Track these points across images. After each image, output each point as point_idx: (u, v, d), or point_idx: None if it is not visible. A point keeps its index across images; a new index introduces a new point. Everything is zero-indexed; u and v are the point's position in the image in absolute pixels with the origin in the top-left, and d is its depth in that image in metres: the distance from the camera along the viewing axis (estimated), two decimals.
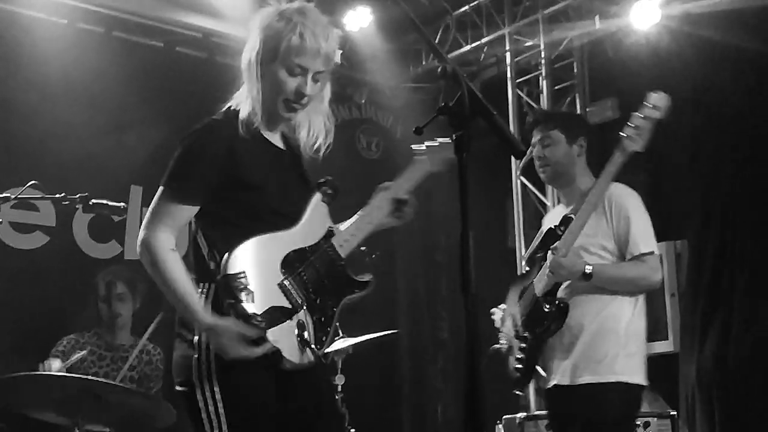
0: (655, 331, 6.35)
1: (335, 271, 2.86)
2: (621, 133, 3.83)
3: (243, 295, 2.59)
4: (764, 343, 5.60)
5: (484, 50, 7.66)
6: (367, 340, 5.19)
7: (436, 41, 7.50)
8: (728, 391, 5.71)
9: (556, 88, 7.28)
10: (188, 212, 2.84)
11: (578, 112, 7.21)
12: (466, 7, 7.38)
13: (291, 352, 2.65)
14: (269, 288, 2.66)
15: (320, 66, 2.81)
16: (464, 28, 7.51)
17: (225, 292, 2.62)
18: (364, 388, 5.93)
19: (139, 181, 6.41)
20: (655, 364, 6.43)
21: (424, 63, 7.78)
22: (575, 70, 7.29)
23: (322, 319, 2.77)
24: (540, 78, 7.28)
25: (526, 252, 7.19)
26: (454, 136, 2.01)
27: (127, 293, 5.28)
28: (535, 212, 7.31)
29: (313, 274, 2.78)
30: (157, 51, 6.88)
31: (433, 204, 7.54)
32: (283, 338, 2.64)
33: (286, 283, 2.70)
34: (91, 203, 4.30)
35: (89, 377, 4.60)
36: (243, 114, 2.84)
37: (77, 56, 6.23)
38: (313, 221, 2.86)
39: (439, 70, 2.08)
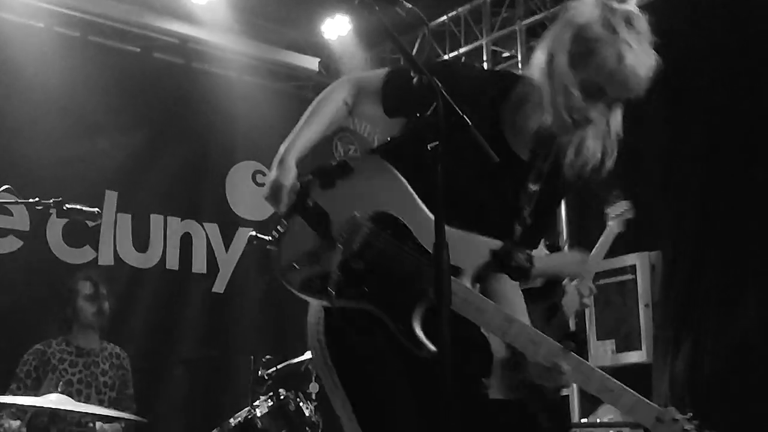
0: (628, 341, 6.40)
1: (403, 289, 2.33)
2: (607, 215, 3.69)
3: (323, 178, 2.37)
4: (737, 354, 5.63)
5: (463, 60, 7.68)
6: None
7: (414, 51, 7.52)
8: (701, 401, 5.74)
9: None
10: (376, 110, 2.49)
11: None
12: (444, 18, 7.41)
13: (286, 253, 2.34)
14: (346, 202, 2.34)
15: (622, 96, 2.43)
16: (442, 38, 7.53)
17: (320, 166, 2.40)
18: None
19: (113, 186, 6.40)
20: (627, 374, 6.51)
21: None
22: None
23: (340, 283, 2.31)
24: None
25: None
26: (429, 147, 1.99)
27: (107, 295, 5.29)
28: None
29: (383, 257, 2.33)
30: (134, 56, 6.86)
31: None
32: (295, 241, 2.33)
33: (360, 221, 2.32)
34: (65, 208, 4.26)
35: None
36: (532, 102, 2.41)
37: (53, 60, 6.21)
38: (462, 242, 2.33)
39: (414, 81, 2.06)
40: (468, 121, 2.01)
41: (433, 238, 1.99)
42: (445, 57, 7.53)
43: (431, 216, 2.27)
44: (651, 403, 2.49)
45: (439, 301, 1.91)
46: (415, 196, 2.35)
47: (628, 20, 2.33)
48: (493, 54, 7.41)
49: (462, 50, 7.45)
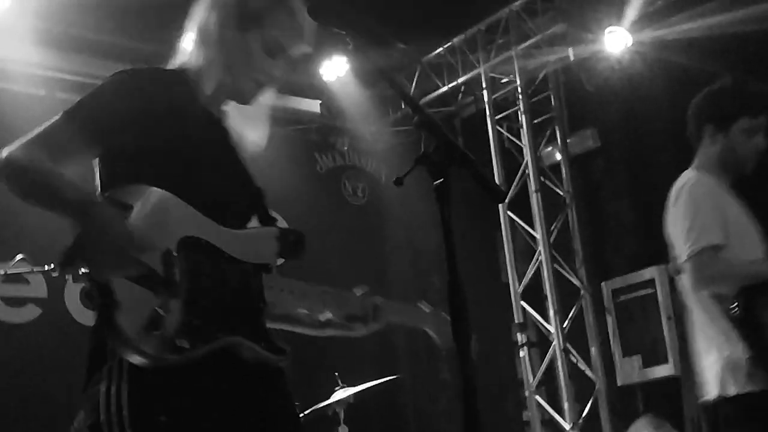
0: (654, 355, 6.36)
1: (244, 305, 2.28)
2: None
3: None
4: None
5: (462, 90, 7.73)
6: (368, 387, 5.15)
7: (413, 85, 7.58)
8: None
9: (536, 121, 7.33)
10: (77, 145, 2.23)
11: (558, 143, 7.27)
12: (440, 49, 7.45)
13: (130, 327, 2.01)
14: (151, 241, 2.10)
15: (298, 50, 2.43)
16: (440, 69, 7.58)
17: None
18: None
19: None
20: (657, 388, 6.47)
21: (403, 107, 7.84)
22: (552, 103, 7.35)
23: (198, 329, 2.12)
24: (519, 113, 7.33)
25: (518, 286, 7.20)
26: (434, 185, 1.99)
27: None
28: (525, 246, 7.34)
29: (215, 282, 2.21)
30: None
31: (422, 243, 7.58)
32: (131, 308, 2.02)
33: (175, 254, 2.12)
34: (81, 272, 4.27)
35: None
36: (199, 78, 2.36)
37: None
38: (253, 240, 2.34)
39: (413, 120, 2.06)
40: (471, 157, 2.01)
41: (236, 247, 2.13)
42: (444, 88, 7.57)
43: (221, 227, 2.25)
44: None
45: (462, 344, 1.87)
46: (197, 212, 2.22)
47: None
48: (492, 80, 7.45)
49: (460, 80, 7.49)
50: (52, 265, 4.28)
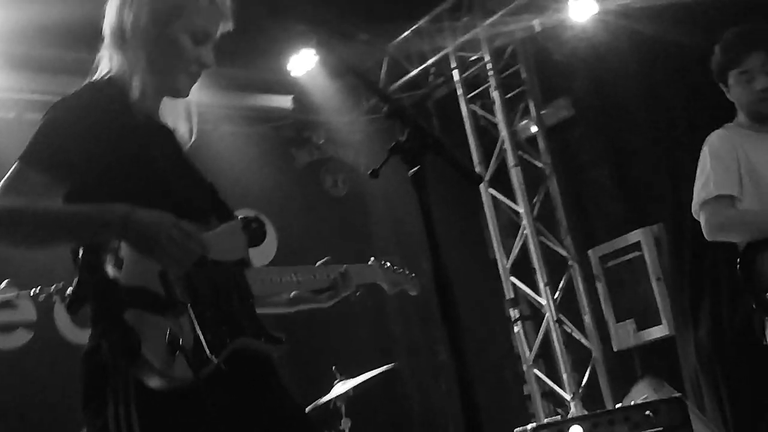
0: (647, 317, 6.39)
1: (239, 305, 2.31)
2: None
3: (107, 257, 2.04)
4: (756, 311, 5.62)
5: (432, 72, 7.71)
6: (368, 378, 5.15)
7: (382, 73, 7.55)
8: (730, 365, 5.73)
9: (508, 96, 7.33)
10: (47, 187, 2.15)
11: (533, 116, 7.28)
12: (407, 33, 7.42)
13: (155, 356, 2.01)
14: (146, 268, 2.07)
15: (220, 31, 2.42)
16: (408, 53, 7.55)
17: (86, 251, 2.09)
18: (373, 427, 5.89)
19: None
20: (653, 349, 6.50)
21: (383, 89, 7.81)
22: (523, 76, 7.35)
23: (211, 340, 2.13)
24: (490, 89, 7.33)
25: (506, 261, 7.22)
26: (410, 173, 1.99)
27: None
28: (509, 221, 7.35)
29: (209, 289, 2.22)
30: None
31: (408, 228, 7.57)
32: (150, 338, 2.02)
33: (170, 275, 2.11)
34: (67, 293, 4.25)
35: None
36: (127, 84, 2.29)
37: None
38: (224, 239, 2.32)
39: (384, 110, 2.07)
40: (443, 142, 2.01)
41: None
42: (414, 72, 7.56)
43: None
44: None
45: (451, 327, 1.87)
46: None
47: None
48: (461, 60, 7.44)
49: (429, 61, 7.48)
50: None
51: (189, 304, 2.10)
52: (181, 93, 2.42)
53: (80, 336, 6.17)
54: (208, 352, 2.09)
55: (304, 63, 7.09)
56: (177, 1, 2.33)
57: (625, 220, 6.82)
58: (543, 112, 7.32)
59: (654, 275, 6.37)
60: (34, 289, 4.32)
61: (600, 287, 6.78)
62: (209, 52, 2.39)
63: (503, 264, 7.23)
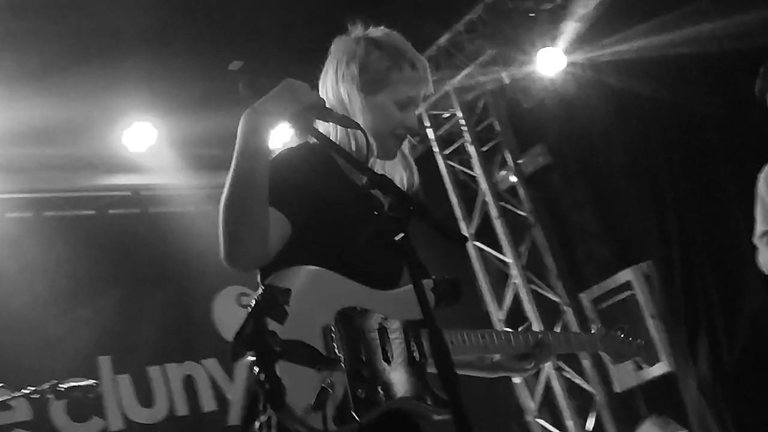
0: (645, 355, 6.35)
1: (408, 365, 2.32)
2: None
3: (273, 311, 2.14)
4: (754, 342, 5.63)
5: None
6: None
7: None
8: (734, 396, 5.71)
9: (484, 149, 7.38)
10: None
11: (510, 166, 7.32)
12: None
13: (298, 406, 2.09)
14: (307, 324, 2.19)
15: (423, 94, 2.59)
16: None
17: (257, 303, 2.17)
18: None
19: (104, 350, 6.34)
20: (655, 388, 6.46)
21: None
22: (497, 128, 7.41)
23: (363, 399, 2.18)
24: (466, 144, 7.38)
25: (500, 313, 7.20)
26: (395, 241, 1.98)
27: None
28: (498, 272, 7.34)
29: (376, 347, 2.27)
30: (90, 220, 6.87)
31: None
32: (297, 388, 2.09)
33: (333, 329, 2.21)
34: (60, 389, 4.21)
35: None
36: (344, 146, 2.42)
37: (12, 246, 6.19)
38: (406, 298, 2.32)
39: (363, 183, 2.08)
40: (425, 206, 2.03)
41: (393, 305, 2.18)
42: None
43: (372, 288, 2.33)
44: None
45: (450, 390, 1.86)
46: (351, 281, 2.32)
47: (394, 37, 2.57)
48: (434, 118, 7.50)
49: None
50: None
51: (344, 361, 2.18)
52: (390, 155, 2.57)
53: (77, 430, 6.10)
54: (352, 409, 2.14)
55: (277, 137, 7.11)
56: (381, 72, 2.50)
57: (613, 261, 6.83)
58: (520, 161, 7.37)
59: (648, 313, 6.36)
60: (26, 389, 4.26)
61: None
62: (413, 116, 2.55)
63: (497, 316, 7.21)
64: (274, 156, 2.33)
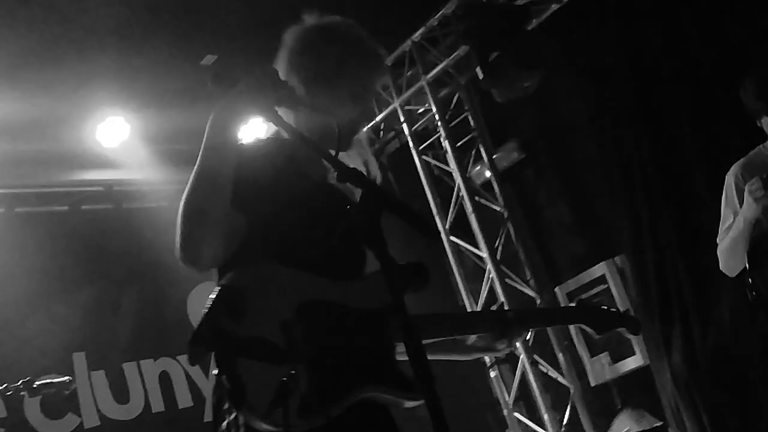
0: (620, 349, 6.41)
1: (375, 353, 2.29)
2: None
3: (229, 311, 2.13)
4: (727, 336, 5.67)
5: (381, 127, 7.78)
6: None
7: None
8: (708, 388, 5.75)
9: (459, 144, 7.39)
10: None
11: (485, 161, 7.34)
12: None
13: (261, 403, 2.07)
14: (266, 319, 2.16)
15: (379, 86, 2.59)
16: None
17: (212, 304, 2.14)
18: None
19: (79, 347, 6.29)
20: (630, 380, 6.51)
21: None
22: (472, 123, 7.43)
23: (329, 390, 2.17)
24: (441, 139, 7.39)
25: (476, 307, 7.21)
26: (367, 234, 1.98)
27: None
28: (474, 267, 7.36)
29: (342, 338, 2.24)
30: (63, 215, 6.81)
31: None
32: (259, 385, 2.07)
33: (293, 323, 2.19)
34: (35, 386, 4.19)
35: None
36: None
37: None
38: (372, 286, 2.33)
39: (334, 176, 2.06)
40: (397, 200, 2.01)
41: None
42: (366, 128, 7.60)
43: (332, 280, 2.30)
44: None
45: (425, 382, 1.86)
46: (309, 274, 2.29)
47: (354, 26, 2.55)
48: (409, 113, 7.50)
49: (378, 118, 7.54)
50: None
51: (306, 354, 2.15)
52: (343, 147, 2.48)
53: (52, 427, 6.06)
54: (318, 401, 2.12)
55: (254, 130, 7.10)
56: (336, 64, 2.47)
57: (587, 255, 6.87)
58: (494, 156, 7.39)
59: (622, 306, 6.39)
60: (0, 386, 4.23)
61: None
62: (368, 107, 2.55)
63: (473, 309, 7.23)
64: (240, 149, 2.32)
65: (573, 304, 3.09)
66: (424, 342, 2.16)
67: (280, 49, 2.56)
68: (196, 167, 2.20)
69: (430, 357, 2.46)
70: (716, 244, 4.17)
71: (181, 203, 2.19)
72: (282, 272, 2.25)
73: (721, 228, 4.13)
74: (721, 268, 4.19)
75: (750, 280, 3.92)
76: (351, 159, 2.57)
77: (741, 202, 3.97)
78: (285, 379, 2.06)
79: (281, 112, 2.29)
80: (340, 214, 2.32)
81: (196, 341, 2.14)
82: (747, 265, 3.94)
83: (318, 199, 2.41)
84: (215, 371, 2.11)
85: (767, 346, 4.11)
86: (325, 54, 2.49)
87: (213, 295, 2.16)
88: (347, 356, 2.23)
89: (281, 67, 2.52)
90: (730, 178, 4.11)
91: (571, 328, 6.75)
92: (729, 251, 4.06)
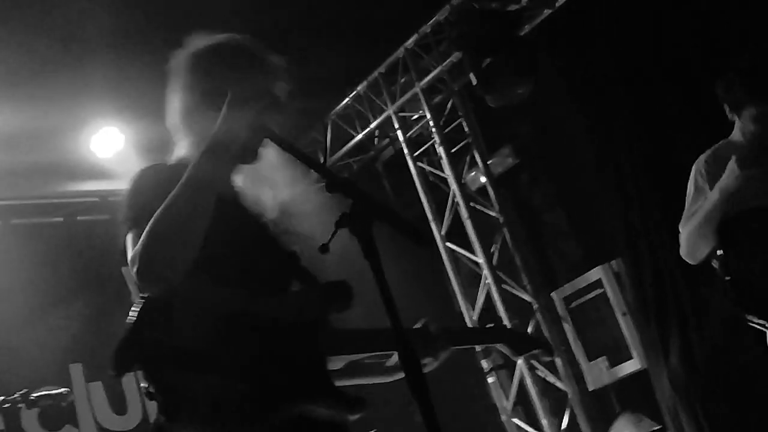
0: (618, 353, 6.41)
1: (306, 368, 2.26)
2: None
3: (155, 321, 2.10)
4: (723, 340, 5.67)
5: (376, 134, 7.79)
6: None
7: (327, 141, 7.60)
8: (705, 391, 5.75)
9: (453, 150, 7.39)
10: None
11: (480, 167, 7.34)
12: (346, 100, 7.50)
13: (194, 414, 2.08)
14: (196, 328, 2.14)
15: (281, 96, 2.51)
16: (350, 119, 7.63)
17: (138, 315, 2.11)
18: None
19: (76, 358, 6.30)
20: (628, 384, 6.51)
21: (321, 162, 7.82)
22: (466, 129, 7.43)
23: (258, 403, 2.15)
24: (436, 145, 7.39)
25: (473, 313, 7.22)
26: (359, 242, 1.98)
27: None
28: (470, 272, 7.36)
29: (267, 352, 2.21)
30: (59, 226, 6.82)
31: (373, 293, 7.54)
32: (189, 396, 2.07)
33: (222, 333, 2.17)
34: (32, 398, 4.18)
35: None
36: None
37: None
38: (293, 302, 2.35)
39: (324, 186, 2.06)
40: (388, 208, 2.01)
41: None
42: (359, 136, 7.63)
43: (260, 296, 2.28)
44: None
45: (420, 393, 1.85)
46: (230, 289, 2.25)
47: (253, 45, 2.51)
48: (403, 120, 7.51)
49: (373, 125, 7.55)
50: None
51: (236, 364, 2.11)
52: (247, 160, 2.46)
53: None
54: (248, 414, 2.08)
55: None
56: (224, 81, 2.39)
57: (583, 259, 6.87)
58: (489, 162, 7.40)
59: (619, 310, 6.40)
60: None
61: (567, 328, 6.80)
62: (271, 120, 2.43)
63: (470, 316, 7.23)
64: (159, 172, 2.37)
65: (491, 325, 3.12)
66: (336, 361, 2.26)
67: (170, 74, 2.52)
68: (188, 175, 2.19)
69: (349, 382, 2.50)
70: None
71: (158, 218, 2.15)
72: (209, 286, 2.21)
73: (686, 214, 3.92)
74: (682, 255, 3.97)
75: (724, 263, 3.66)
76: (255, 181, 2.55)
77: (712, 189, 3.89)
78: (217, 391, 2.04)
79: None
80: (257, 235, 2.45)
81: (122, 351, 2.10)
82: (720, 246, 3.71)
83: (235, 219, 2.40)
84: (143, 384, 2.07)
85: (758, 341, 3.96)
86: (212, 72, 2.44)
87: (137, 307, 2.12)
88: (277, 368, 2.18)
89: (171, 92, 2.50)
90: (698, 166, 4.04)
91: (568, 330, 6.76)
92: (697, 230, 3.82)
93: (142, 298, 2.15)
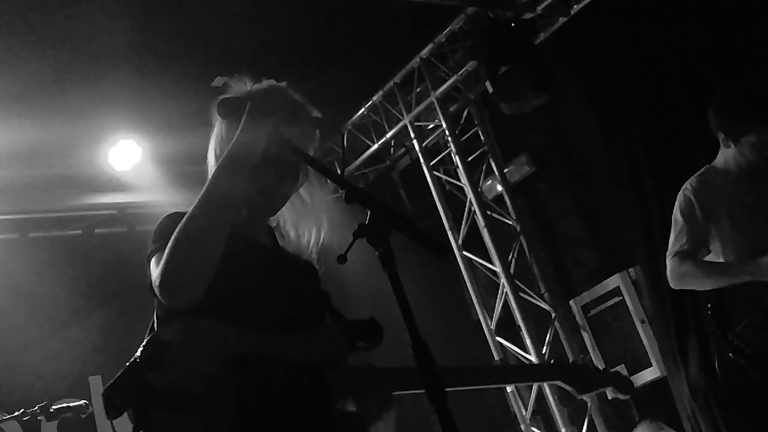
0: (637, 361, 6.37)
1: (309, 410, 2.21)
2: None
3: (151, 364, 2.10)
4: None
5: (392, 144, 7.80)
6: None
7: (343, 151, 7.60)
8: (725, 399, 5.71)
9: (469, 159, 7.39)
10: None
11: (496, 175, 7.33)
12: (362, 110, 7.52)
13: None
14: (187, 370, 2.12)
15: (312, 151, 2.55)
16: (366, 129, 7.64)
17: (136, 359, 2.12)
18: None
19: (95, 370, 6.31)
20: (647, 392, 6.48)
21: (339, 173, 7.83)
22: (482, 137, 7.43)
23: None
24: (452, 154, 7.39)
25: (490, 322, 7.20)
26: (377, 253, 1.97)
27: None
28: (488, 281, 7.35)
29: (272, 393, 2.17)
30: (77, 239, 6.86)
31: (391, 301, 7.54)
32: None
33: (218, 377, 2.14)
34: (51, 410, 4.21)
35: None
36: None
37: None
38: (311, 343, 2.28)
39: (343, 197, 2.07)
40: (405, 219, 2.00)
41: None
42: (375, 146, 7.64)
43: (272, 336, 2.24)
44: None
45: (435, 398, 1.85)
46: (240, 329, 2.23)
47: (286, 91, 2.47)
48: (419, 129, 7.52)
49: (389, 134, 7.56)
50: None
51: (231, 410, 2.08)
52: (275, 210, 2.52)
53: None
54: None
55: None
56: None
57: (601, 267, 6.85)
58: (506, 170, 7.39)
59: (638, 318, 6.38)
60: (17, 412, 4.25)
61: (586, 336, 6.78)
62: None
63: (487, 325, 7.21)
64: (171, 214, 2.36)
65: (552, 361, 3.09)
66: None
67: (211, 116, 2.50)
68: (207, 189, 2.20)
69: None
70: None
71: (184, 228, 2.16)
72: (213, 327, 2.19)
73: (676, 243, 4.05)
74: (669, 279, 4.13)
75: (731, 339, 3.97)
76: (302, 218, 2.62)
77: (707, 222, 3.97)
78: (207, 429, 2.02)
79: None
80: (270, 272, 2.40)
81: (112, 393, 2.10)
82: (718, 321, 4.01)
83: (249, 257, 2.38)
84: (132, 426, 2.07)
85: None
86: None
87: (139, 351, 2.13)
88: (273, 409, 2.14)
89: (211, 136, 2.50)
90: (686, 193, 4.08)
91: (586, 338, 6.74)
92: (700, 281, 4.05)
93: (146, 340, 2.16)
